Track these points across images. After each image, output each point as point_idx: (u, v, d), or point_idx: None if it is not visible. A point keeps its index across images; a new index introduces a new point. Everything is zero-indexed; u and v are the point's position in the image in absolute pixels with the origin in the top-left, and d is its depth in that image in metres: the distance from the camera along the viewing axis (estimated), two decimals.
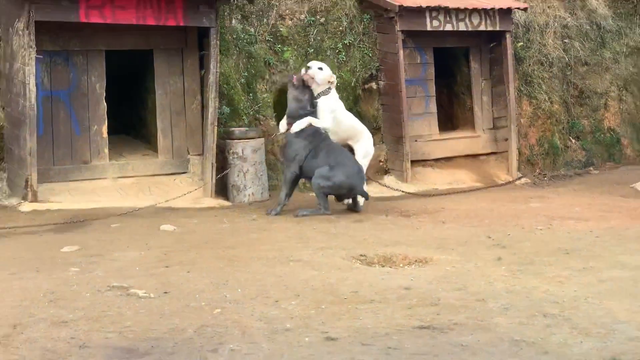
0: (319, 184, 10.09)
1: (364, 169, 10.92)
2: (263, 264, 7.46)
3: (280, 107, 12.28)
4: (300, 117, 10.36)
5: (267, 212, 10.23)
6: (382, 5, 12.82)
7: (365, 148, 11.02)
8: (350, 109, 11.52)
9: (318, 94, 10.63)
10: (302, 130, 10.33)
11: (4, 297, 6.39)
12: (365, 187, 10.56)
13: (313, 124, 10.41)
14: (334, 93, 10.90)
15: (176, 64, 11.45)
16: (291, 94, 10.55)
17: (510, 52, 13.55)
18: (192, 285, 6.73)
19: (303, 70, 10.64)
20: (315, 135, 10.35)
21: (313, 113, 10.43)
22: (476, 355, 5.19)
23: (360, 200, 10.39)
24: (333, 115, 10.64)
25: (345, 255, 7.83)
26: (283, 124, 10.60)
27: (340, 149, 10.44)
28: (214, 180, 11.13)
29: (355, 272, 7.24)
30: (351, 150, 10.98)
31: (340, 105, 10.96)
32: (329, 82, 10.72)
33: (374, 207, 10.51)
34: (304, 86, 10.50)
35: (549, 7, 14.92)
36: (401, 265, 7.63)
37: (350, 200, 10.45)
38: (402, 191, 11.00)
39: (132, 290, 6.55)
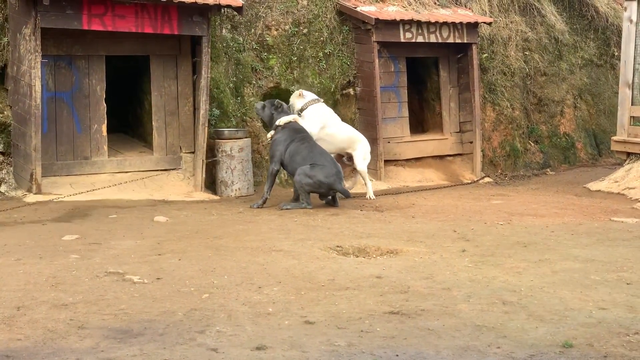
0: (300, 180, 10.09)
1: (365, 170, 11.10)
2: (248, 253, 7.45)
3: None
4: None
5: (251, 205, 10.23)
6: (359, 18, 12.82)
7: (363, 153, 11.21)
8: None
9: (306, 104, 10.80)
10: (284, 127, 10.38)
11: (8, 281, 6.35)
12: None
13: (298, 122, 10.50)
14: (323, 106, 11.03)
15: (171, 69, 11.42)
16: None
17: (476, 62, 13.58)
18: (182, 272, 6.71)
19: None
20: (297, 132, 10.37)
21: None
22: (441, 339, 5.20)
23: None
24: (321, 125, 10.77)
25: (323, 246, 7.83)
26: (271, 133, 10.64)
27: (322, 151, 10.42)
28: (204, 176, 11.11)
29: (332, 261, 7.24)
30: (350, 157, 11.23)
31: (332, 120, 11.05)
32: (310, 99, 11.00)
33: (349, 202, 10.51)
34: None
35: (511, 22, 14.96)
36: (374, 255, 7.63)
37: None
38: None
39: (128, 276, 6.52)
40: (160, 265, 6.92)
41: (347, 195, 10.25)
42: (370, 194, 11.13)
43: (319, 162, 10.14)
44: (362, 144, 11.24)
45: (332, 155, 10.92)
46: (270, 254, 7.41)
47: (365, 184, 11.25)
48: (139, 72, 11.85)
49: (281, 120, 10.45)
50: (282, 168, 10.52)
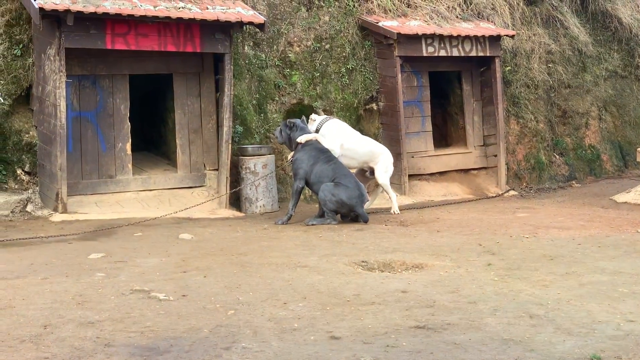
0: (324, 197, 10.10)
1: (387, 183, 11.04)
2: (273, 269, 7.46)
3: None
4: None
5: (275, 221, 10.25)
6: (382, 33, 12.84)
7: (385, 166, 11.17)
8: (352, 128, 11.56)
9: (320, 123, 10.87)
10: (306, 146, 10.39)
11: (35, 299, 6.40)
12: (367, 204, 10.61)
13: (319, 140, 10.52)
14: (337, 121, 11.12)
15: (194, 86, 11.49)
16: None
17: (499, 75, 13.56)
18: (207, 288, 6.73)
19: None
20: (321, 152, 10.38)
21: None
22: (468, 353, 5.18)
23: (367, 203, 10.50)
24: (341, 142, 10.79)
25: (348, 261, 7.83)
26: (291, 154, 10.70)
27: (348, 173, 10.41)
28: (228, 193, 11.14)
29: (357, 276, 7.23)
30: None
31: (350, 134, 11.07)
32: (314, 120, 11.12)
33: (374, 217, 10.51)
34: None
35: (534, 34, 14.93)
36: (399, 270, 7.62)
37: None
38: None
39: (153, 293, 6.55)
40: (185, 282, 6.95)
41: (365, 220, 10.20)
42: (395, 209, 11.11)
43: (343, 183, 10.15)
44: (383, 156, 11.19)
45: (355, 171, 10.96)
46: (295, 270, 7.42)
47: (390, 197, 11.24)
48: (163, 90, 11.93)
49: (302, 138, 10.47)
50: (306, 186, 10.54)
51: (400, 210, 11.21)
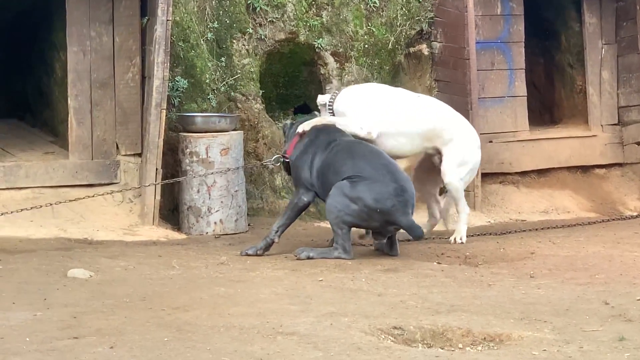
0: (335, 206, 10.03)
1: (459, 187, 11.09)
2: (234, 337, 7.45)
3: (270, 82, 12.31)
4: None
5: (241, 251, 10.25)
6: None
7: (462, 150, 11.10)
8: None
9: (331, 101, 10.94)
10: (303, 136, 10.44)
11: None
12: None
13: (331, 123, 10.48)
14: (359, 87, 11.19)
15: (102, 6, 11.47)
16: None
17: None
18: None
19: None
20: (322, 134, 10.35)
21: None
22: None
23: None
24: (378, 112, 10.70)
25: (369, 326, 7.82)
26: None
27: (372, 152, 10.38)
28: (158, 197, 11.12)
29: (384, 354, 7.22)
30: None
31: (389, 99, 10.99)
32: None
33: (418, 249, 10.51)
34: None
35: None
36: (460, 345, 7.62)
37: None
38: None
39: None
40: (77, 356, 6.94)
41: (416, 234, 10.13)
42: (460, 234, 11.06)
43: (366, 175, 10.06)
44: (462, 132, 11.15)
45: (416, 161, 10.94)
46: (274, 340, 7.41)
47: (457, 211, 11.20)
48: (47, 12, 11.93)
49: (305, 125, 10.49)
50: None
51: (467, 236, 11.20)
